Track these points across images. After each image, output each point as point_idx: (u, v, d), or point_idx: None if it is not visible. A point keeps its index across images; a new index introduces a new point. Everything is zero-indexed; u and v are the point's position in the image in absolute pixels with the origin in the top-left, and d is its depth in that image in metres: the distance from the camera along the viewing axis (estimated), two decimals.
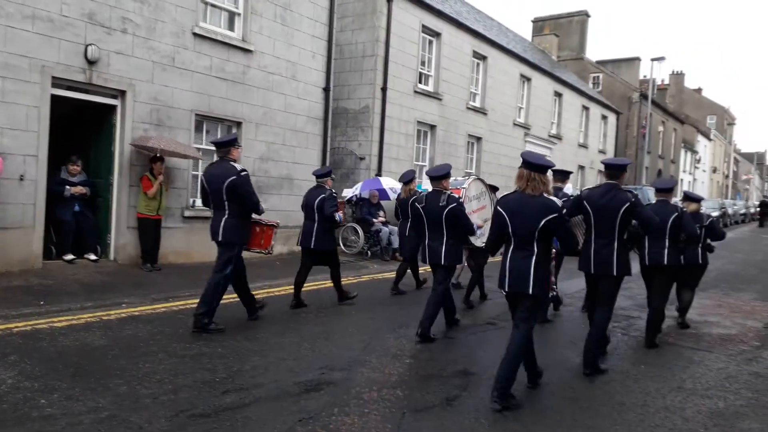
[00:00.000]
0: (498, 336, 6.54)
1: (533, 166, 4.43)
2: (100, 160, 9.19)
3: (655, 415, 4.42)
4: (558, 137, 23.85)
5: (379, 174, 13.85)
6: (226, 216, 6.10)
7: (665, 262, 6.29)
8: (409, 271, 8.92)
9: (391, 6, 13.94)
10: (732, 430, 4.22)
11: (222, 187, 5.98)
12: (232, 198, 6.02)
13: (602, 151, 28.79)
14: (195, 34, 9.72)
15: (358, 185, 12.74)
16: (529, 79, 21.40)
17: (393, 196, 13.10)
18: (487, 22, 22.29)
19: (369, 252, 12.27)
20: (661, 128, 37.46)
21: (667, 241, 6.24)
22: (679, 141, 42.64)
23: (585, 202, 5.37)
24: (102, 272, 8.46)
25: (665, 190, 6.66)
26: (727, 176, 63.08)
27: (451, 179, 6.81)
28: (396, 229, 12.16)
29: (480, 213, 8.09)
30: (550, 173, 5.39)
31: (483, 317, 7.48)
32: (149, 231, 9.00)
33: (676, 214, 6.29)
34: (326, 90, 12.27)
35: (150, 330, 5.98)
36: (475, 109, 18.09)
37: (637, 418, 4.34)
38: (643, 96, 32.24)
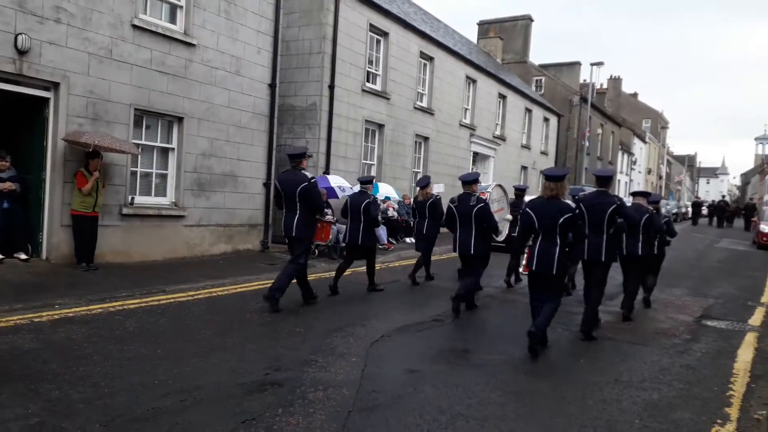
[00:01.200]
0: (443, 333, 6.62)
1: (552, 177, 5.98)
2: (32, 156, 8.73)
3: (594, 408, 4.56)
4: (502, 138, 24.35)
5: (327, 172, 13.76)
6: (297, 215, 7.27)
7: (639, 253, 7.76)
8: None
9: (338, 3, 13.86)
10: (665, 420, 4.40)
11: (295, 191, 7.19)
12: (303, 201, 7.23)
13: (544, 153, 29.60)
14: (134, 26, 9.37)
15: None
16: (474, 81, 21.75)
17: (342, 195, 13.06)
18: (434, 23, 22.52)
19: (316, 251, 12.16)
20: (599, 131, 38.83)
21: (640, 236, 7.59)
22: (617, 143, 44.31)
23: (581, 204, 6.70)
24: (33, 272, 8.05)
25: (642, 194, 8.24)
26: (660, 177, 66.01)
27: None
28: (344, 227, 12.16)
29: (499, 213, 9.34)
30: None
31: (430, 313, 7.53)
32: (85, 229, 8.63)
33: (648, 214, 7.81)
34: (272, 86, 12.08)
35: (85, 332, 5.74)
36: (422, 109, 18.23)
37: (577, 411, 4.46)
38: (583, 99, 33.33)
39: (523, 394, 4.78)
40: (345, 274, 8.77)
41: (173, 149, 10.42)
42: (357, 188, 11.75)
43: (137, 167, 9.94)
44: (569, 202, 5.98)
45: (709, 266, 14.69)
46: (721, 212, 35.53)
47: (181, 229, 10.48)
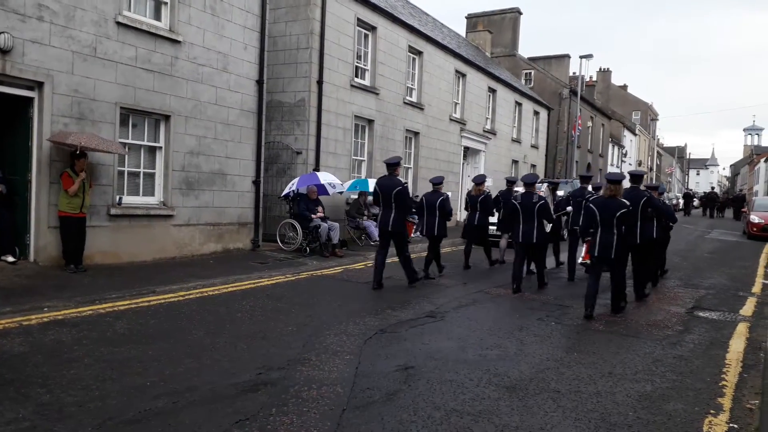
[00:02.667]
0: (437, 329, 6.60)
1: (612, 181, 7.57)
2: (17, 157, 8.60)
3: (588, 401, 4.55)
4: (492, 132, 24.35)
5: (316, 169, 13.68)
6: (393, 214, 8.77)
7: (637, 240, 8.49)
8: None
9: None
10: (659, 411, 4.40)
11: (391, 193, 8.73)
12: (397, 201, 8.73)
13: (534, 146, 29.63)
14: (118, 23, 9.24)
15: (295, 180, 12.52)
16: (464, 75, 21.71)
17: (332, 191, 13.03)
18: (423, 17, 22.43)
19: (308, 248, 12.11)
20: (590, 123, 38.94)
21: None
22: (607, 136, 44.48)
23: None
24: (21, 275, 7.95)
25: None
26: (651, 169, 66.38)
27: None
28: (335, 224, 12.15)
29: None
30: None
31: (423, 310, 7.52)
32: (72, 230, 8.52)
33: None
34: (260, 82, 11.98)
35: (75, 335, 5.67)
36: (412, 104, 18.17)
37: (571, 404, 4.46)
38: (573, 92, 33.39)
39: (517, 388, 4.76)
40: (335, 272, 8.74)
41: (160, 148, 10.31)
42: (347, 184, 14.04)
43: (124, 167, 9.83)
44: (625, 201, 7.55)
45: (700, 257, 14.78)
46: (712, 203, 37.05)
47: (170, 229, 10.39)
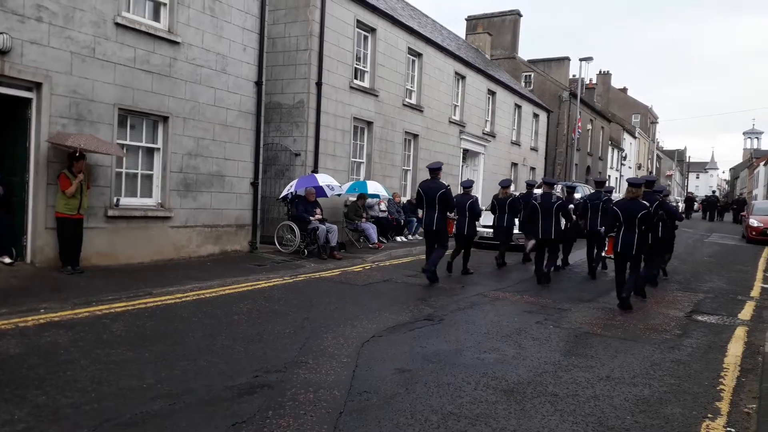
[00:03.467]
0: (434, 332, 6.58)
1: (633, 185, 8.55)
2: (15, 158, 8.57)
3: (586, 404, 4.54)
4: (492, 135, 24.35)
5: (315, 171, 13.67)
6: (437, 214, 9.70)
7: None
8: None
9: (324, 0, 13.77)
10: (656, 416, 4.39)
11: (435, 195, 9.65)
12: (441, 203, 9.65)
13: (534, 149, 29.64)
14: (117, 24, 9.23)
15: (294, 182, 12.51)
16: (463, 77, 21.72)
17: (330, 193, 13.00)
18: (422, 19, 22.45)
19: (306, 251, 12.09)
20: (589, 126, 38.96)
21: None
22: (607, 139, 44.52)
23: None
24: (18, 276, 7.92)
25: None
26: (650, 172, 66.41)
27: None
28: (334, 227, 12.14)
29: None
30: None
31: (420, 313, 7.50)
32: (69, 231, 8.49)
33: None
34: (258, 84, 11.97)
35: (71, 336, 5.65)
36: (411, 106, 18.17)
37: (569, 408, 4.44)
38: (573, 95, 33.41)
39: (515, 391, 4.75)
40: (333, 274, 8.71)
41: (158, 149, 10.30)
42: (346, 186, 14.19)
43: (122, 168, 9.81)
44: (645, 202, 8.45)
45: (699, 261, 14.77)
46: (713, 207, 37.51)
47: (168, 231, 10.37)
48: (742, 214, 28.55)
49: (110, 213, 9.33)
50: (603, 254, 11.35)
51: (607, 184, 14.09)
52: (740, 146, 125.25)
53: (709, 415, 4.44)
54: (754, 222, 20.76)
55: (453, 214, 10.67)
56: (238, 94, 11.54)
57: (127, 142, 9.83)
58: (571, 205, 12.29)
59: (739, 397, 4.90)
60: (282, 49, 13.88)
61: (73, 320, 6.24)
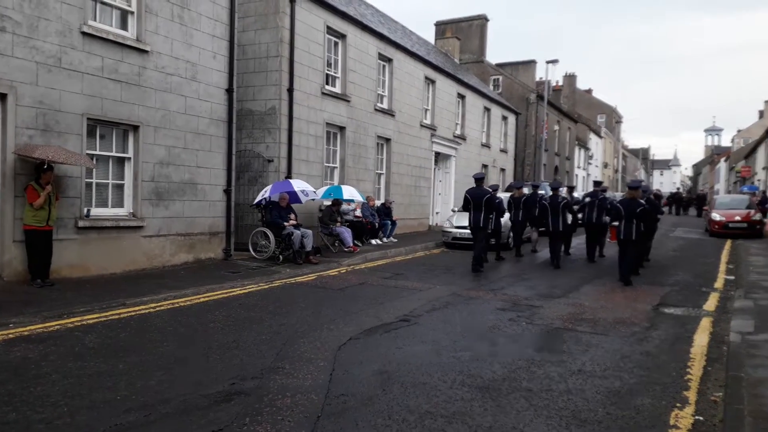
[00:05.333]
0: (411, 333, 6.65)
1: (632, 187, 11.01)
2: None
3: (559, 398, 4.65)
4: (462, 138, 24.60)
5: (288, 176, 13.65)
6: (482, 215, 11.89)
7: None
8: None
9: (294, 6, 13.78)
10: (627, 407, 4.52)
11: (482, 200, 11.92)
12: (486, 206, 11.92)
13: (504, 150, 30.02)
14: (84, 33, 9.12)
15: (267, 188, 12.48)
16: (433, 82, 21.91)
17: (305, 199, 13.02)
18: (392, 24, 22.59)
19: (281, 256, 12.06)
20: (556, 127, 39.61)
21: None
22: (573, 139, 45.27)
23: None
24: None
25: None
26: (616, 171, 67.75)
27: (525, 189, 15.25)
28: (308, 231, 12.13)
29: None
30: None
31: (397, 314, 7.56)
32: (38, 244, 8.35)
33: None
34: (229, 91, 11.93)
35: (42, 350, 5.56)
36: (383, 111, 18.27)
37: (543, 403, 4.54)
38: (540, 97, 33.93)
39: (490, 389, 4.83)
40: (308, 279, 8.71)
41: (129, 159, 10.19)
42: (321, 191, 14.33)
43: (92, 178, 9.68)
44: (642, 201, 10.80)
45: (665, 255, 15.13)
46: (678, 202, 40.68)
47: (140, 240, 10.26)
48: (704, 208, 29.36)
49: (80, 224, 9.20)
50: (607, 240, 14.48)
51: (578, 186, 16.04)
52: (701, 143, 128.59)
53: (678, 405, 4.58)
54: (716, 216, 21.33)
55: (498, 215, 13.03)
56: (209, 102, 11.48)
57: (97, 152, 9.71)
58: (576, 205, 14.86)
59: (706, 386, 5.06)
60: (252, 56, 13.85)
61: (43, 334, 6.14)
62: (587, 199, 14.43)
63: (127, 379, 4.86)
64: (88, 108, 9.26)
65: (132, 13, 10.06)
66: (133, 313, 7.25)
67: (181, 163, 10.94)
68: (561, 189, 14.03)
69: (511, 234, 15.48)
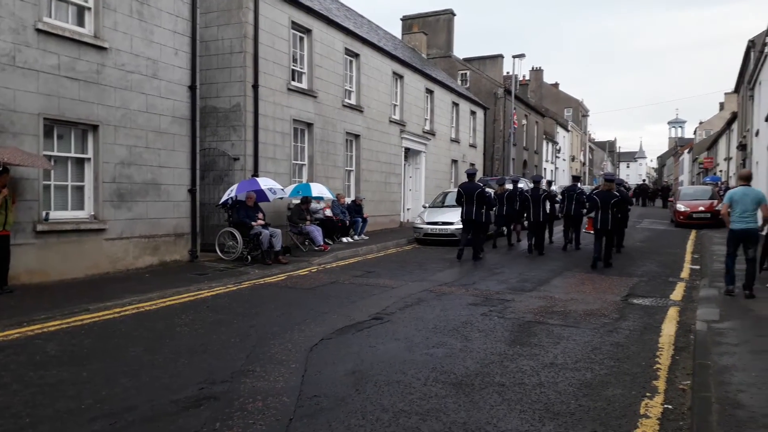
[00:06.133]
0: (384, 331, 6.60)
1: (608, 180, 12.26)
2: None
3: (532, 392, 4.65)
4: (431, 133, 24.64)
5: (255, 175, 13.45)
6: (474, 207, 12.84)
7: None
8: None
9: (257, 1, 13.54)
10: (599, 398, 4.55)
11: (474, 194, 12.89)
12: (478, 199, 12.86)
13: (473, 145, 30.18)
14: (39, 30, 8.80)
15: (233, 187, 12.25)
16: (401, 77, 21.87)
17: (273, 197, 12.80)
18: (358, 19, 22.46)
19: (249, 257, 11.88)
20: (524, 121, 40.01)
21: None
22: (541, 133, 45.83)
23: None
24: None
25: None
26: (584, 164, 68.85)
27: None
28: (277, 231, 11.97)
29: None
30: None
31: (369, 312, 7.50)
32: None
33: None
34: (192, 88, 11.66)
35: (1, 360, 5.37)
36: (351, 107, 18.15)
37: (516, 397, 4.54)
38: (507, 91, 34.21)
39: (463, 384, 4.81)
40: (278, 279, 8.58)
41: (89, 159, 9.88)
42: (289, 189, 14.17)
43: (50, 180, 9.36)
44: (617, 193, 12.05)
45: (632, 246, 15.41)
46: (644, 194, 42.06)
47: (103, 243, 9.97)
48: (669, 199, 30.04)
49: (39, 228, 8.89)
50: (584, 230, 15.20)
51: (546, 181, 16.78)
52: (666, 135, 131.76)
53: (648, 394, 4.63)
54: (681, 207, 21.83)
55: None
56: (171, 100, 11.21)
57: (55, 153, 9.39)
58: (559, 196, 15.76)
59: (674, 374, 5.14)
60: (216, 52, 13.58)
61: (3, 343, 5.92)
62: (566, 193, 15.23)
63: (91, 387, 4.71)
64: (44, 107, 8.94)
65: (89, 9, 9.74)
66: (96, 319, 7.04)
67: (143, 163, 10.67)
68: (541, 182, 15.16)
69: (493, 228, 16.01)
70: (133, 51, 10.37)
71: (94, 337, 6.23)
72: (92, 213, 9.91)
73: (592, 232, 12.50)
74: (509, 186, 16.34)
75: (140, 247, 10.68)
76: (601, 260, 11.54)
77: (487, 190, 14.05)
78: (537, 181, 14.97)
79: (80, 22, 9.71)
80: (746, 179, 8.61)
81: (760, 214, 8.13)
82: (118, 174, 10.21)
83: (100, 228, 9.88)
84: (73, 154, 9.71)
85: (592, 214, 12.09)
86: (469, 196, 12.90)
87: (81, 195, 9.86)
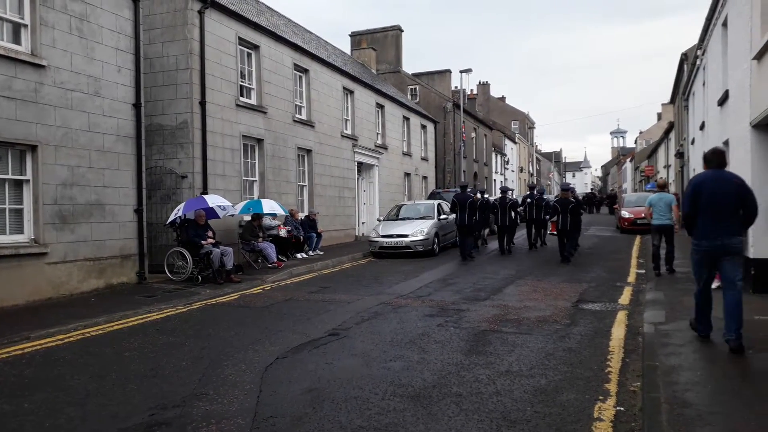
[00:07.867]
0: (340, 347, 6.52)
1: (565, 190, 14.81)
2: None
3: (489, 401, 4.68)
4: (384, 147, 24.77)
5: (204, 192, 13.17)
6: (467, 215, 15.01)
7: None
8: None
9: (203, 18, 13.38)
10: (554, 404, 4.61)
11: (466, 203, 14.99)
12: (470, 208, 15.03)
13: (425, 159, 30.50)
14: None
15: (181, 206, 11.94)
16: (351, 92, 21.95)
17: (222, 214, 12.55)
18: (306, 35, 22.45)
19: (200, 277, 11.59)
20: (473, 134, 40.75)
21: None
22: (490, 145, 46.75)
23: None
24: None
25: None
26: (532, 174, 70.52)
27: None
28: (228, 249, 11.74)
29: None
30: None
31: (325, 328, 7.41)
32: None
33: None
34: (137, 106, 11.37)
35: None
36: (302, 122, 18.07)
37: (473, 407, 4.55)
38: (456, 105, 34.81)
39: (421, 396, 4.80)
40: (231, 299, 8.40)
41: (28, 181, 9.48)
42: (240, 206, 14.07)
43: None
44: (573, 200, 14.60)
45: (581, 253, 15.82)
46: (591, 202, 44.16)
47: (44, 268, 9.55)
48: (615, 207, 31.06)
49: None
50: (548, 232, 18.35)
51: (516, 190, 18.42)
52: (609, 145, 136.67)
53: (600, 397, 4.73)
54: (625, 213, 22.59)
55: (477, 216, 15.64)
56: (115, 118, 10.90)
57: None
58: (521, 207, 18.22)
59: (625, 377, 5.27)
60: (161, 69, 13.31)
61: None
62: (528, 200, 17.74)
63: (33, 419, 4.47)
64: None
65: (26, 26, 9.40)
66: (38, 347, 6.71)
67: (86, 184, 10.30)
68: (508, 192, 17.51)
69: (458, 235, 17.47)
70: (73, 69, 10.05)
71: (36, 366, 5.93)
72: (32, 236, 9.49)
73: (555, 233, 14.71)
74: (485, 196, 18.74)
75: (85, 270, 10.27)
76: (567, 257, 13.89)
77: (477, 196, 16.13)
78: (504, 191, 17.34)
79: (16, 40, 9.35)
80: (662, 187, 11.61)
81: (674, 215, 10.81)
82: (60, 195, 9.82)
83: (40, 252, 9.46)
84: (10, 176, 9.29)
85: (555, 219, 14.34)
86: (462, 205, 15.11)
87: (20, 218, 9.44)
